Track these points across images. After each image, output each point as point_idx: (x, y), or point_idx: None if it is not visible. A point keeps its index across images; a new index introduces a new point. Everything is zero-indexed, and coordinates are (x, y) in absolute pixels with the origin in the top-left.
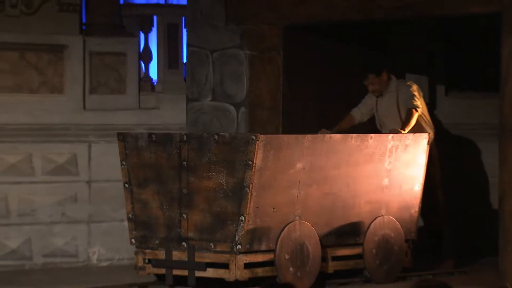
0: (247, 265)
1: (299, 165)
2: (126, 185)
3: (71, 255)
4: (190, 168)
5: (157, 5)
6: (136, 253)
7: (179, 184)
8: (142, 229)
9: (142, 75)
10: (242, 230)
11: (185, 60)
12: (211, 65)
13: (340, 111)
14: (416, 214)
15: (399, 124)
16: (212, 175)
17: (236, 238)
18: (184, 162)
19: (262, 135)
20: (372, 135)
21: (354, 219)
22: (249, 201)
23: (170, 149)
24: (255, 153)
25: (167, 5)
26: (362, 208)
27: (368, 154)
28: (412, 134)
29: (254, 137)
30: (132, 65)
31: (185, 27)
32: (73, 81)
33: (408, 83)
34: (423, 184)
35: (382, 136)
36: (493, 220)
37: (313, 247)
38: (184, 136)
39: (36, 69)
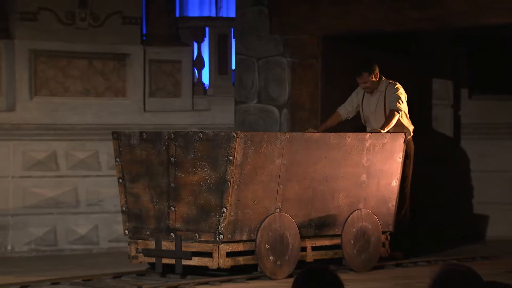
0: (230, 254)
1: (279, 161)
2: (120, 180)
3: None
4: (177, 164)
5: (209, 18)
6: (129, 243)
7: (168, 178)
8: (134, 221)
9: (195, 80)
10: (224, 221)
11: (233, 67)
12: (257, 71)
13: None
14: (393, 208)
15: (383, 122)
16: (197, 170)
17: (219, 229)
18: (172, 158)
19: (242, 133)
20: (350, 134)
21: (333, 212)
22: (230, 194)
23: (159, 146)
24: (236, 149)
25: (218, 18)
26: (340, 202)
27: (346, 151)
28: (389, 133)
29: (234, 135)
30: (187, 71)
31: (233, 37)
32: (134, 86)
33: (396, 86)
34: (400, 179)
35: (360, 135)
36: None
37: (293, 238)
38: (172, 134)
39: (102, 75)
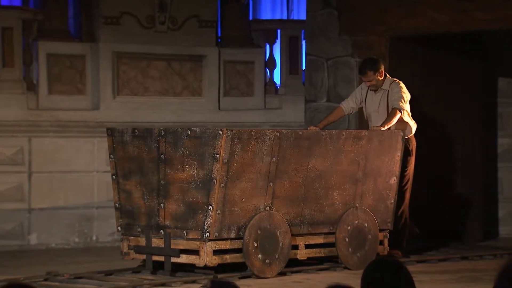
0: (217, 252)
1: (268, 158)
2: (114, 176)
3: None
4: (167, 161)
5: (281, 20)
6: (121, 240)
7: (158, 175)
8: (126, 217)
9: (267, 80)
10: (211, 219)
11: (304, 67)
12: (326, 71)
13: (438, 112)
14: (391, 206)
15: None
16: (185, 167)
17: (205, 226)
18: (162, 155)
19: (228, 130)
20: (344, 131)
21: (326, 210)
22: (216, 191)
23: (150, 143)
24: (222, 146)
25: (289, 20)
26: (335, 199)
27: (340, 148)
28: (387, 130)
29: (220, 132)
30: (259, 71)
31: (304, 39)
32: (210, 85)
33: (400, 85)
34: (398, 177)
35: (356, 132)
36: None
37: (283, 236)
38: (162, 130)
39: (180, 75)
